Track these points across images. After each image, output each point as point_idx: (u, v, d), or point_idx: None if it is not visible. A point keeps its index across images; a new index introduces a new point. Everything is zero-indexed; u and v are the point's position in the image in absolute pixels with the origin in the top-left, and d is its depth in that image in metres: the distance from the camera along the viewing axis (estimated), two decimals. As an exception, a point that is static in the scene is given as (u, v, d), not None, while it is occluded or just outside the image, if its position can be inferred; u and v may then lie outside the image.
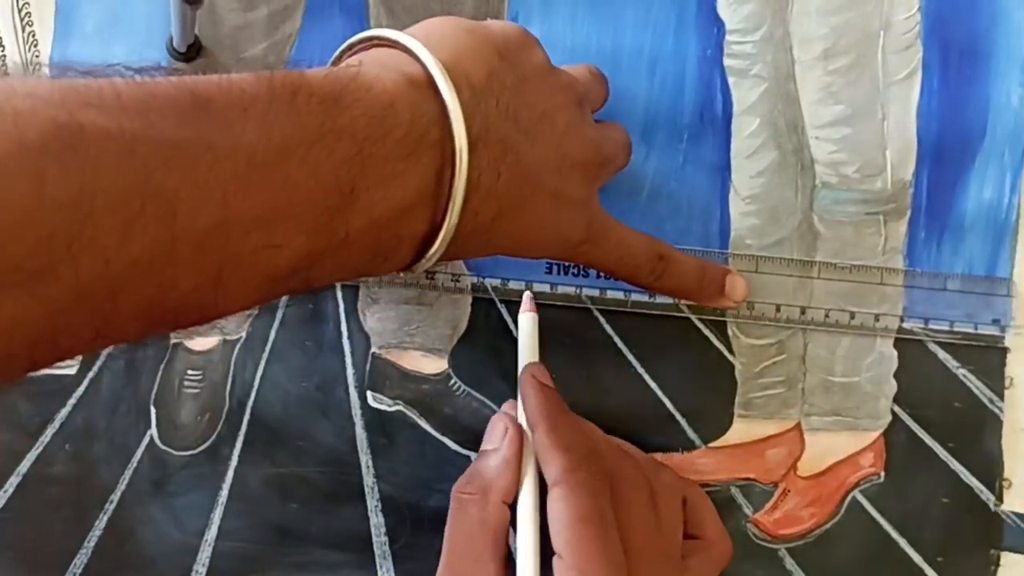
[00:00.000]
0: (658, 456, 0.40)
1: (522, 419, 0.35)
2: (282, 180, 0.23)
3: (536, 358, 0.37)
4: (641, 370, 0.40)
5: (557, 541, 0.31)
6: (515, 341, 0.40)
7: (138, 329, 0.23)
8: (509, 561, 0.33)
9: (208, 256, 0.22)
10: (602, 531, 0.31)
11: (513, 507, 0.33)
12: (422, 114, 0.27)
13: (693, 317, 0.41)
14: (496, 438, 0.35)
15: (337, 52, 0.30)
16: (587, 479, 0.32)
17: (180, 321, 0.24)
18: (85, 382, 0.40)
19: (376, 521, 0.39)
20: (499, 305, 0.41)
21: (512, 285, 0.41)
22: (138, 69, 0.24)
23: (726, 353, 0.41)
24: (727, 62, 0.41)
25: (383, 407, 0.40)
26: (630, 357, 0.40)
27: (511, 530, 0.33)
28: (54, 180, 0.19)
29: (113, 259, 0.20)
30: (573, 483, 0.32)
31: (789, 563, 0.40)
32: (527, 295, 0.39)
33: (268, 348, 0.40)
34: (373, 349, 0.41)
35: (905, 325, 0.41)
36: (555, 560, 0.31)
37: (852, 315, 0.41)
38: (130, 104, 0.21)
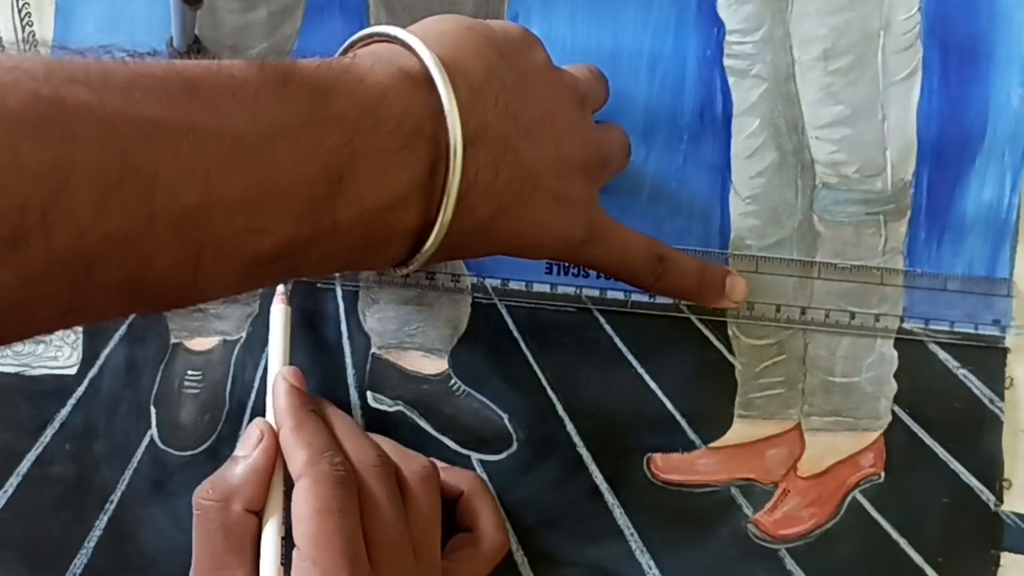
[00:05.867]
0: (658, 457, 0.40)
1: (271, 419, 0.35)
2: (267, 165, 0.23)
3: (287, 352, 0.37)
4: (641, 370, 0.40)
5: (296, 532, 0.31)
6: (516, 341, 0.41)
7: (114, 306, 0.23)
8: (258, 569, 0.33)
9: (188, 236, 0.22)
10: (339, 521, 0.31)
11: (260, 516, 0.33)
12: (416, 107, 0.27)
13: (693, 317, 0.41)
14: (248, 446, 0.34)
15: (339, 51, 0.30)
16: (328, 470, 0.32)
17: (159, 301, 0.24)
18: (85, 382, 0.40)
19: (376, 521, 0.39)
20: (499, 305, 0.41)
21: (512, 285, 0.41)
22: (132, 53, 0.24)
23: (726, 353, 0.41)
24: (727, 62, 0.41)
25: (383, 407, 0.40)
26: (630, 357, 0.40)
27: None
28: (30, 149, 0.19)
29: (88, 231, 0.20)
30: (314, 475, 0.32)
31: (789, 563, 0.40)
32: (280, 287, 0.39)
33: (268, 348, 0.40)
34: (373, 349, 0.41)
35: (905, 325, 0.41)
36: (295, 552, 0.31)
37: (852, 315, 0.41)
38: (115, 82, 0.22)
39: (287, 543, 0.32)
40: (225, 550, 0.33)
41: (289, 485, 0.33)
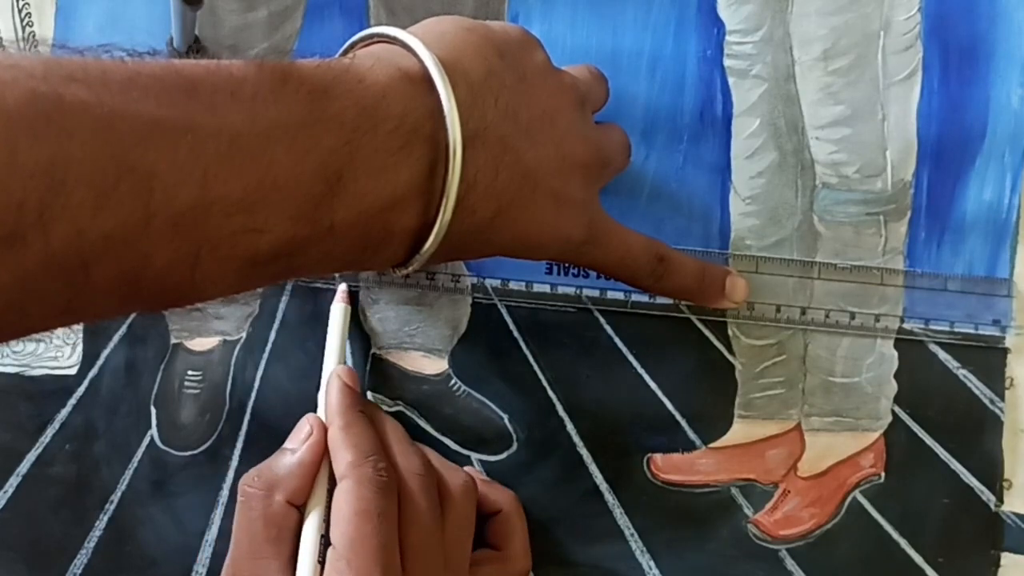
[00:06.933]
0: (658, 457, 0.40)
1: (323, 415, 0.35)
2: (266, 165, 0.23)
3: (343, 350, 0.37)
4: (641, 370, 0.40)
5: (334, 532, 0.32)
6: (516, 341, 0.41)
7: (112, 304, 0.23)
8: (295, 562, 0.33)
9: (186, 235, 0.22)
10: (377, 526, 0.31)
11: (302, 510, 0.33)
12: (415, 108, 0.27)
13: (693, 317, 0.41)
14: (298, 439, 0.34)
15: (339, 52, 0.30)
16: (371, 474, 0.32)
17: (157, 300, 0.24)
18: (85, 382, 0.40)
19: (376, 521, 0.39)
20: (499, 305, 0.41)
21: (512, 285, 0.41)
22: (131, 52, 0.24)
23: (726, 354, 0.41)
24: (727, 62, 0.41)
25: (384, 407, 0.40)
26: (630, 357, 0.40)
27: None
28: (26, 148, 0.19)
29: (86, 230, 0.20)
30: (356, 477, 0.32)
31: (790, 564, 0.40)
32: (343, 286, 0.39)
33: (268, 348, 0.40)
34: (373, 350, 0.41)
35: (905, 326, 0.41)
36: (330, 550, 0.31)
37: (852, 316, 0.41)
38: (114, 81, 0.22)
39: (324, 541, 0.32)
40: (264, 539, 0.33)
41: (333, 483, 0.33)
